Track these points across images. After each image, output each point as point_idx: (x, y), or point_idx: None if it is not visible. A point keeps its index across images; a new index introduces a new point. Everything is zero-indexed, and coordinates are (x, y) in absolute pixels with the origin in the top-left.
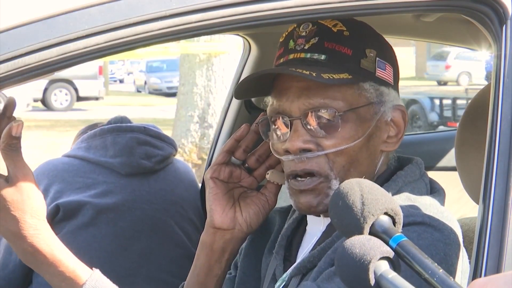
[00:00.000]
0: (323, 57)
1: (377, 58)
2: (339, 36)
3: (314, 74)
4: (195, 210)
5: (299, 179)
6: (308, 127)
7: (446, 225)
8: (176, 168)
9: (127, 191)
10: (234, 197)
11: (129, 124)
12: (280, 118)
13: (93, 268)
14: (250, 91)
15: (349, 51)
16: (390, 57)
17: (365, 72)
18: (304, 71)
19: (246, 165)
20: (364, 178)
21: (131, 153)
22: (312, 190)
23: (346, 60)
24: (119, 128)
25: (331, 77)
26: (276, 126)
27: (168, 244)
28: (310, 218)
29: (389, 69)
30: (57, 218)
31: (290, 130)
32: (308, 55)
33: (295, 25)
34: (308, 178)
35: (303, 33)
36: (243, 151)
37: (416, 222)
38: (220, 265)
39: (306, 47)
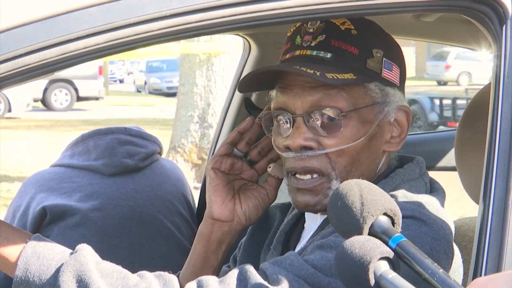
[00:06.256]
0: (329, 55)
1: (384, 59)
2: (346, 34)
3: (318, 74)
4: (183, 204)
5: (299, 176)
6: (311, 125)
7: (437, 221)
8: (162, 165)
9: (111, 190)
10: (234, 189)
11: (109, 126)
12: (283, 114)
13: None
14: (253, 85)
15: (356, 50)
16: (397, 58)
17: (370, 72)
18: (308, 70)
19: (248, 157)
20: (365, 178)
21: (113, 154)
22: (311, 190)
23: (352, 60)
24: (100, 131)
25: (335, 77)
26: (279, 122)
27: (159, 239)
28: (307, 215)
29: (396, 70)
30: (46, 221)
31: (292, 127)
32: (314, 53)
33: None
34: (308, 177)
35: (311, 30)
36: (246, 143)
37: (406, 215)
38: (216, 256)
39: (312, 44)
